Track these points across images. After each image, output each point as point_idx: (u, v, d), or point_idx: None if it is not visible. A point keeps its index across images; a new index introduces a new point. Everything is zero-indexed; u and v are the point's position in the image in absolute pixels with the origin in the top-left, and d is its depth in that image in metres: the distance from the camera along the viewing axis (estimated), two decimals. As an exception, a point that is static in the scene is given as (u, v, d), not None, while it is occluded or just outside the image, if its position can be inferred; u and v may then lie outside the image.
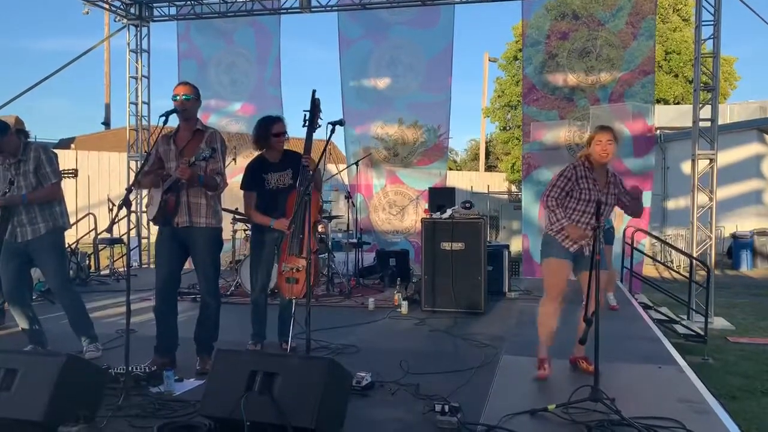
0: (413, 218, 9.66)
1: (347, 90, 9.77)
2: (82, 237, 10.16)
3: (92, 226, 10.02)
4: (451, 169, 28.32)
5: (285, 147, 4.72)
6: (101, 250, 9.86)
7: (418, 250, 9.08)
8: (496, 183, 24.64)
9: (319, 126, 4.48)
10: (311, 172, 4.32)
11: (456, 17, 9.31)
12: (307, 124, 4.45)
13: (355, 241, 8.41)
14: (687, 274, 8.46)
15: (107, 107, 24.74)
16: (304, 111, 4.47)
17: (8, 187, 4.40)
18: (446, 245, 6.34)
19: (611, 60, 8.76)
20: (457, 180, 20.96)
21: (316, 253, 4.44)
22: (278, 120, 4.62)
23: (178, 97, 4.04)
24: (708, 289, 7.79)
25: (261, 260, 4.70)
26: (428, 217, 6.63)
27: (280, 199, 4.56)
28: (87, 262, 9.10)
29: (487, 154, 30.72)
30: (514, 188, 23.69)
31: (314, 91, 4.50)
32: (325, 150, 4.16)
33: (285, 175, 4.61)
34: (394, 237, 9.79)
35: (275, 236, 4.49)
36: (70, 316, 4.65)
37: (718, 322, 8.21)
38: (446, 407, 3.18)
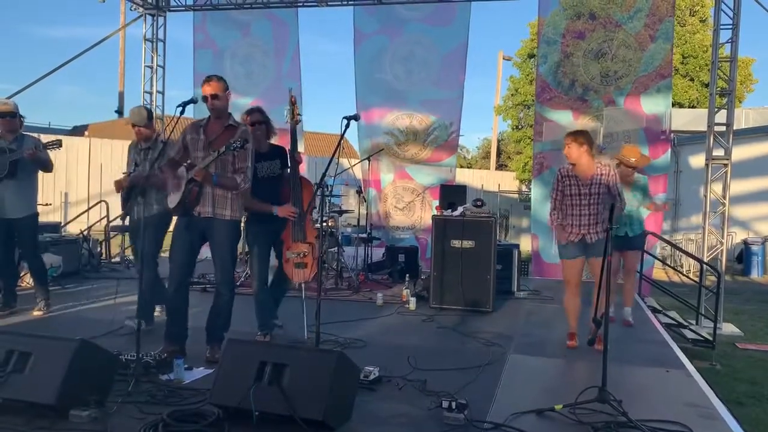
0: (419, 214, 9.66)
1: (361, 84, 9.77)
2: (93, 224, 10.24)
3: (104, 214, 10.09)
4: (462, 166, 28.29)
5: (271, 141, 4.92)
6: (113, 237, 9.93)
7: (424, 246, 9.09)
8: (506, 182, 24.60)
9: (299, 121, 4.96)
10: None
11: (471, 13, 9.30)
12: (288, 119, 4.88)
13: (364, 236, 8.43)
14: (697, 279, 8.42)
15: (121, 95, 24.85)
16: (285, 108, 4.91)
17: (133, 168, 5.05)
18: (456, 243, 6.35)
19: (627, 61, 8.70)
20: (468, 178, 20.94)
21: (317, 239, 4.83)
22: (255, 111, 4.82)
23: (208, 99, 4.09)
24: (718, 294, 7.75)
25: (259, 254, 4.80)
26: (439, 214, 6.63)
27: (270, 187, 4.77)
28: (98, 249, 9.17)
29: (499, 152, 30.64)
30: (524, 187, 23.62)
31: (290, 89, 5.05)
32: (339, 144, 4.18)
33: (274, 165, 4.82)
34: (402, 233, 9.80)
35: (272, 228, 4.75)
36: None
37: (727, 328, 8.17)
38: (453, 404, 3.18)
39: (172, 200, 4.16)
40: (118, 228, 9.50)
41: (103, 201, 10.41)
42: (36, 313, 5.49)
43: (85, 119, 47.42)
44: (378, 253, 8.90)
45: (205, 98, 4.10)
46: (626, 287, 6.12)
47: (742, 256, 14.88)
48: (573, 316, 5.08)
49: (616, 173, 4.99)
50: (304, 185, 4.90)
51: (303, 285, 4.95)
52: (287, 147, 4.89)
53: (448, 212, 6.60)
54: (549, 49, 9.18)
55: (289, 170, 4.91)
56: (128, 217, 5.35)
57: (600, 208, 4.86)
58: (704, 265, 8.09)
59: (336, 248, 8.04)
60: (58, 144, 5.33)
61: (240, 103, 9.71)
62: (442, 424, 3.15)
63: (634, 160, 5.92)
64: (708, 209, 8.30)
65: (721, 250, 8.31)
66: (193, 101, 4.01)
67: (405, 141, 9.75)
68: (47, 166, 5.51)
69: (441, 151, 9.69)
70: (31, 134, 5.67)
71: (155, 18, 10.61)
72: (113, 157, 18.34)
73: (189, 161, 4.16)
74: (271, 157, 4.81)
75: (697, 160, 13.06)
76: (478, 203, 6.57)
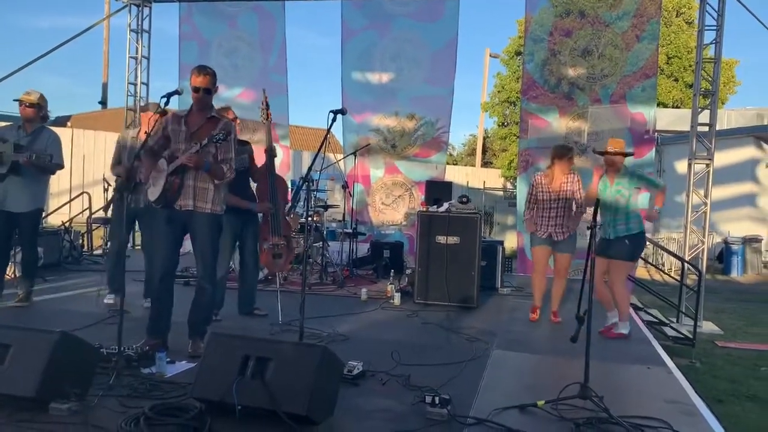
0: (405, 210, 9.67)
1: (348, 80, 9.73)
2: (75, 216, 10.14)
3: (86, 205, 9.98)
4: (447, 163, 28.21)
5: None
6: (95, 229, 9.83)
7: (412, 242, 9.10)
8: (491, 179, 24.64)
9: (271, 120, 5.48)
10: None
11: (459, 9, 9.29)
12: (263, 119, 5.40)
13: (349, 231, 8.41)
14: (678, 278, 8.51)
15: (105, 86, 24.62)
16: (259, 108, 5.45)
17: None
18: (441, 239, 6.36)
19: (614, 60, 8.75)
20: (454, 174, 20.93)
21: (296, 233, 5.60)
22: (228, 108, 5.22)
23: (199, 91, 4.05)
24: (698, 293, 7.84)
25: (223, 247, 4.93)
26: (425, 210, 6.64)
27: (241, 180, 5.12)
28: (80, 241, 9.08)
29: (484, 149, 30.69)
30: (509, 185, 23.71)
31: (264, 90, 5.55)
32: (325, 138, 4.16)
33: (243, 159, 5.19)
34: (389, 229, 9.79)
35: (236, 222, 5.15)
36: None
37: (707, 326, 8.27)
38: (436, 399, 3.19)
39: (153, 192, 4.11)
40: (101, 220, 9.42)
41: (86, 192, 10.30)
42: (16, 304, 5.41)
43: (68, 110, 46.85)
44: (363, 249, 8.89)
45: (196, 89, 4.05)
46: (613, 298, 5.43)
47: (723, 256, 15.08)
48: (538, 293, 5.95)
49: (580, 183, 5.73)
50: (279, 182, 5.49)
51: (278, 274, 5.75)
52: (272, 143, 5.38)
53: (433, 208, 6.60)
54: (536, 46, 9.21)
55: (255, 164, 5.43)
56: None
57: (565, 211, 5.70)
58: (686, 264, 8.18)
59: (321, 243, 8.02)
60: (57, 167, 5.42)
61: (226, 96, 9.68)
62: (424, 419, 3.15)
63: (611, 149, 5.26)
64: (690, 208, 8.39)
65: (703, 249, 8.41)
66: (177, 93, 3.96)
67: (392, 138, 9.74)
68: (47, 172, 5.49)
69: (428, 148, 9.69)
70: (51, 128, 5.61)
71: (140, 8, 10.50)
72: (96, 149, 18.14)
73: (170, 153, 4.11)
74: (241, 152, 5.12)
75: (680, 160, 13.22)
76: (464, 200, 6.59)
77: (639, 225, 5.32)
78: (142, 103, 10.62)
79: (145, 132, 4.68)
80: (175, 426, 2.80)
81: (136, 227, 6.17)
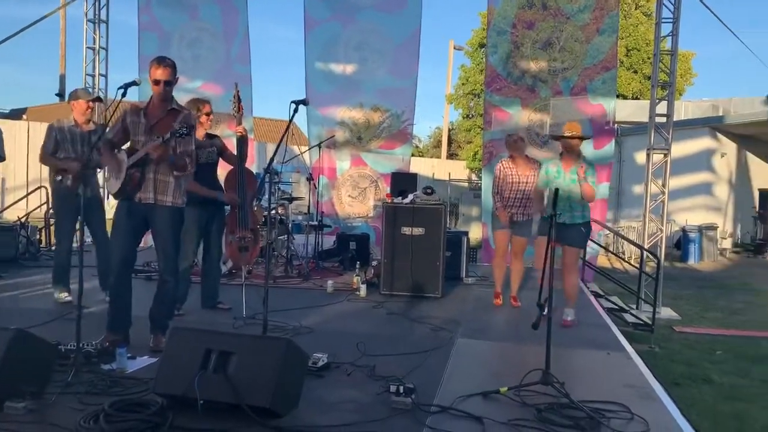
0: (371, 202, 9.68)
1: (311, 71, 9.67)
2: (32, 210, 9.86)
3: (44, 200, 9.73)
4: (413, 155, 28.28)
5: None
6: (52, 224, 9.58)
7: (378, 234, 9.11)
8: (457, 170, 24.81)
9: (242, 114, 5.36)
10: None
11: (422, 1, 9.30)
12: (235, 112, 5.29)
13: (315, 223, 8.38)
14: (637, 265, 8.70)
15: (62, 78, 23.89)
16: (230, 101, 5.33)
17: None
18: (406, 230, 6.38)
19: (574, 53, 8.88)
20: (419, 166, 21.01)
21: (257, 228, 5.55)
22: (208, 102, 5.25)
23: (160, 83, 3.95)
24: (657, 280, 8.03)
25: (188, 239, 4.97)
26: (390, 201, 6.65)
27: (209, 173, 5.18)
28: (37, 236, 8.85)
29: (450, 141, 30.87)
30: (474, 176, 23.89)
31: (236, 84, 5.45)
32: (287, 129, 4.12)
33: (212, 152, 5.21)
34: (355, 221, 9.79)
35: (203, 215, 5.12)
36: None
37: (665, 312, 8.49)
38: (401, 388, 3.21)
39: (113, 186, 4.03)
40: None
41: (43, 187, 10.00)
42: None
43: (24, 102, 45.51)
44: (329, 241, 8.87)
45: (156, 81, 3.96)
46: (563, 286, 5.35)
47: (680, 244, 15.48)
48: (499, 278, 6.24)
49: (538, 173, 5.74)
50: (248, 174, 5.43)
51: (243, 268, 5.66)
52: (242, 133, 5.26)
53: (398, 200, 6.62)
54: (499, 39, 9.28)
55: (227, 156, 5.35)
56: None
57: (528, 196, 5.92)
58: (645, 252, 8.37)
59: (286, 236, 7.97)
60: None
61: (188, 87, 9.50)
62: (389, 409, 3.16)
63: (568, 134, 5.32)
64: (648, 197, 8.58)
65: (661, 238, 8.62)
66: (135, 83, 3.86)
67: (358, 130, 9.72)
68: None
69: (393, 141, 9.71)
70: None
71: (97, -2, 10.23)
72: (54, 142, 17.65)
73: (129, 146, 4.03)
74: (209, 144, 5.19)
75: (639, 151, 13.51)
76: (428, 191, 6.62)
77: (589, 211, 5.54)
78: (102, 96, 10.39)
79: (107, 122, 4.57)
80: (135, 422, 2.76)
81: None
